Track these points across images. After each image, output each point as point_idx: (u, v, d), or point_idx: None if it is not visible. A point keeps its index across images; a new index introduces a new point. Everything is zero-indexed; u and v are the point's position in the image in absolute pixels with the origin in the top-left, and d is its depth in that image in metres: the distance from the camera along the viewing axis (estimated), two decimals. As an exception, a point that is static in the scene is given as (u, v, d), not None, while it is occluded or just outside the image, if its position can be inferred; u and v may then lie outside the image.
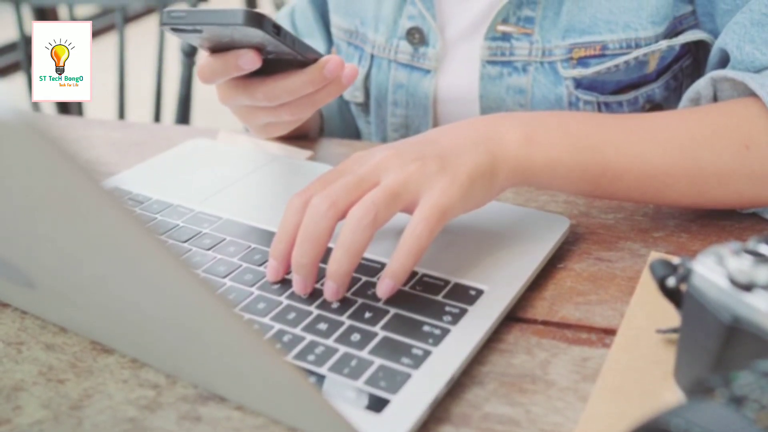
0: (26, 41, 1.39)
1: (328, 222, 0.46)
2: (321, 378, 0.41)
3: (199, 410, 0.41)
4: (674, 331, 0.42)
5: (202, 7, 1.33)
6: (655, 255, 0.52)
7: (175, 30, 0.47)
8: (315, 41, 0.83)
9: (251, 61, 0.50)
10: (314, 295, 0.47)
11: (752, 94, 0.54)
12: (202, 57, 0.51)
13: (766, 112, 0.52)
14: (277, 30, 0.47)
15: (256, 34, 0.46)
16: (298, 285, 0.47)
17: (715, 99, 0.58)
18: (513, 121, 0.52)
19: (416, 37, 0.71)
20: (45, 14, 1.83)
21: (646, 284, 0.48)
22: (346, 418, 0.35)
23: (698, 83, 0.58)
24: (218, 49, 0.50)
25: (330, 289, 0.46)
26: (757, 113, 0.53)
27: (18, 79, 1.60)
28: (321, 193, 0.47)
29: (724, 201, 0.55)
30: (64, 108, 1.68)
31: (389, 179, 0.47)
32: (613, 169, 0.52)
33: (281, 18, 0.87)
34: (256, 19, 0.45)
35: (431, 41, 0.71)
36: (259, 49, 0.49)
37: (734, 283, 0.34)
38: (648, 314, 0.45)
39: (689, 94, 0.59)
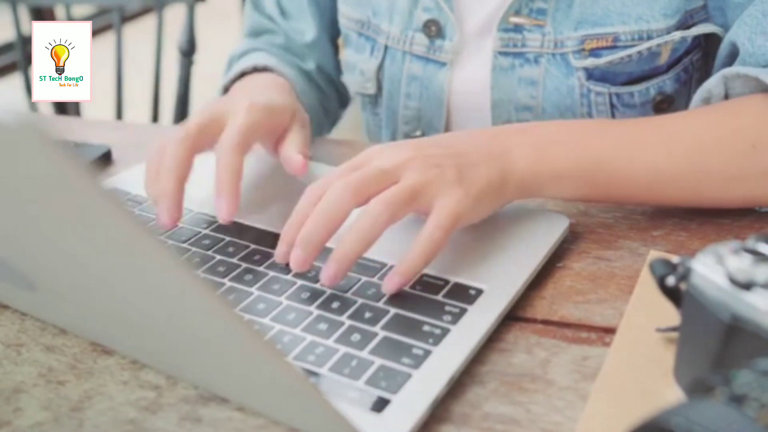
0: (23, 41, 1.38)
1: (345, 206, 0.47)
2: (321, 378, 0.41)
3: (200, 411, 0.41)
4: (674, 329, 0.42)
5: (200, 7, 1.33)
6: (654, 254, 0.52)
7: None
8: (305, 24, 0.80)
9: None
10: (314, 295, 0.48)
11: (763, 90, 0.54)
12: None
13: None
14: None
15: None
16: (298, 259, 0.46)
17: (726, 97, 0.58)
18: (523, 137, 0.54)
19: (433, 29, 0.70)
20: (42, 14, 1.82)
21: (646, 283, 0.48)
22: (347, 418, 0.35)
23: (709, 82, 0.58)
24: None
25: (331, 271, 0.46)
26: (766, 110, 0.53)
27: (15, 80, 1.60)
28: (343, 179, 0.47)
29: (732, 201, 0.56)
30: (62, 108, 1.67)
31: (409, 180, 0.48)
32: (620, 177, 0.53)
33: None
34: None
35: (448, 34, 0.70)
36: None
37: (734, 281, 0.34)
38: (647, 313, 0.45)
39: (700, 93, 0.59)
